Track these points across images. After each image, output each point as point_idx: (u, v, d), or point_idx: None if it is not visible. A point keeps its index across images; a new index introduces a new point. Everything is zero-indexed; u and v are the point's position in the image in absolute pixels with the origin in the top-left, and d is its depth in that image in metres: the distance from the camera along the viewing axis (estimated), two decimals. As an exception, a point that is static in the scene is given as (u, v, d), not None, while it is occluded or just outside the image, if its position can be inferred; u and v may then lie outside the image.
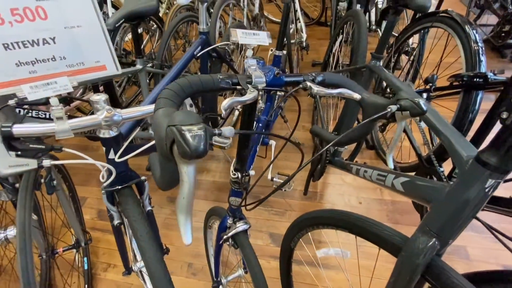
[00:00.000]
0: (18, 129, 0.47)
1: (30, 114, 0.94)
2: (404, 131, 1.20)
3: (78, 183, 1.60)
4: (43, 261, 1.15)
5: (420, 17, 1.25)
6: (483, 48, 0.97)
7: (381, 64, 0.98)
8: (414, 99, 0.47)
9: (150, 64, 1.38)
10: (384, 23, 1.86)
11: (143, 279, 0.98)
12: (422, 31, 1.33)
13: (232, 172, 0.70)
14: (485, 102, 0.99)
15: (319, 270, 1.15)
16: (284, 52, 1.23)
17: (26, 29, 0.43)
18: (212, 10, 1.63)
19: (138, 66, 1.19)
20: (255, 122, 1.18)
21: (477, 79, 0.92)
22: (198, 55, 1.11)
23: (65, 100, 1.24)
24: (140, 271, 0.95)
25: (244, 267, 0.93)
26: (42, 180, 0.82)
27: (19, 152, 0.48)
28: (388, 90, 1.49)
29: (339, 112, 1.51)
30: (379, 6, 2.05)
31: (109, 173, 0.66)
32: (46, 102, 0.57)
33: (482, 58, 0.96)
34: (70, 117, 0.56)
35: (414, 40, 1.63)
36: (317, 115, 1.76)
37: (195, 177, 0.31)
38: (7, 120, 0.61)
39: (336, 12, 2.15)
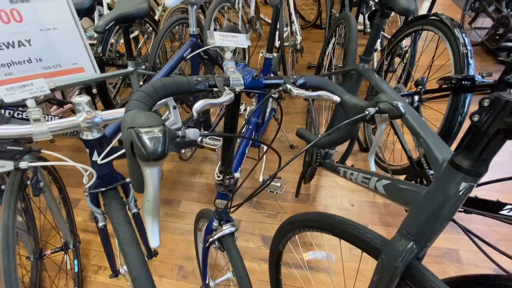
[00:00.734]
0: (-5, 131, 0.47)
1: (20, 116, 0.94)
2: (396, 133, 1.20)
3: (72, 184, 1.60)
4: (33, 263, 1.15)
5: (411, 20, 1.26)
6: (472, 51, 0.97)
7: (369, 66, 0.98)
8: (393, 102, 0.47)
9: (143, 66, 1.38)
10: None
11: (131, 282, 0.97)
12: (413, 34, 1.33)
13: (216, 174, 0.70)
14: (474, 104, 1.00)
15: (308, 273, 1.15)
16: (275, 54, 1.24)
17: (1, 31, 0.43)
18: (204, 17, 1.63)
19: (130, 68, 1.20)
20: (245, 124, 1.18)
21: (465, 82, 0.92)
22: (188, 57, 1.11)
23: (54, 101, 1.24)
24: (127, 274, 0.94)
25: (233, 270, 0.92)
26: (28, 182, 0.82)
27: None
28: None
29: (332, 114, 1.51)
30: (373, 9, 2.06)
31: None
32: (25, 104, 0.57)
33: (471, 61, 0.96)
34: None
35: (407, 43, 1.63)
36: (310, 117, 1.76)
37: (159, 179, 0.31)
38: (-10, 121, 0.61)
39: (331, 15, 2.16)
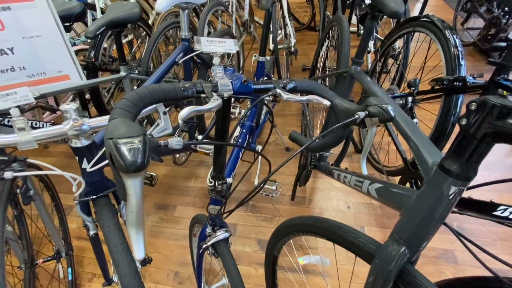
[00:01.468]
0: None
1: (10, 123, 0.93)
2: (390, 135, 1.20)
3: (65, 191, 1.57)
4: (26, 272, 1.13)
5: (403, 22, 1.26)
6: (463, 53, 0.98)
7: (361, 68, 0.98)
8: (382, 105, 0.46)
9: (136, 71, 1.38)
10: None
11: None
12: (405, 36, 1.34)
13: (208, 180, 0.69)
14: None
15: (304, 277, 1.14)
16: (268, 57, 1.24)
17: (-17, 40, 0.42)
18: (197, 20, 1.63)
19: (122, 73, 1.19)
20: (239, 128, 1.18)
21: (457, 83, 0.93)
22: (180, 61, 1.10)
23: (48, 108, 1.22)
24: (121, 282, 0.93)
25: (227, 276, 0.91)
26: (18, 191, 0.80)
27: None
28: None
29: (327, 116, 1.51)
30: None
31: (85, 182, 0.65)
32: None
33: (462, 62, 0.97)
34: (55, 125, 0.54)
35: (400, 44, 1.64)
36: (305, 120, 1.76)
37: (141, 190, 0.30)
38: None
39: (324, 17, 2.17)
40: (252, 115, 1.19)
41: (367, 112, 0.47)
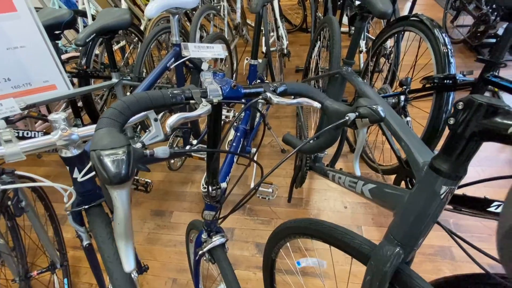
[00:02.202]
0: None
1: None
2: (384, 134, 1.21)
3: (59, 200, 1.55)
4: (20, 285, 1.11)
5: (393, 22, 1.28)
6: (452, 51, 0.99)
7: (352, 69, 0.99)
8: (372, 106, 0.46)
9: (128, 77, 1.37)
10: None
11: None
12: (396, 35, 1.35)
13: (202, 185, 0.69)
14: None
15: (302, 280, 1.14)
16: (260, 60, 1.24)
17: (-35, 52, 0.41)
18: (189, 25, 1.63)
19: (114, 80, 1.18)
20: (233, 131, 1.17)
21: (447, 81, 0.94)
22: (172, 67, 1.10)
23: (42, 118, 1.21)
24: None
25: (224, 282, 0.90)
26: (9, 202, 0.79)
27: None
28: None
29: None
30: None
31: (76, 193, 0.64)
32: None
33: (452, 60, 0.98)
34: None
35: (391, 43, 1.66)
36: (299, 121, 1.77)
37: (128, 201, 0.29)
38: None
39: (316, 19, 2.18)
40: (245, 118, 1.19)
41: (357, 113, 0.47)
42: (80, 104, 1.67)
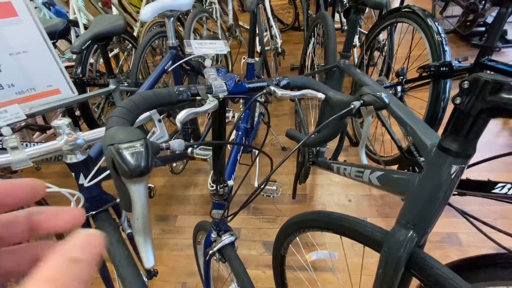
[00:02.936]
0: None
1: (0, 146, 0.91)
2: (383, 125, 1.22)
3: (61, 212, 1.54)
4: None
5: (385, 14, 1.29)
6: (446, 39, 1.00)
7: (349, 62, 1.00)
8: (376, 93, 0.47)
9: (125, 83, 1.36)
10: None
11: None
12: (389, 27, 1.37)
13: (209, 184, 0.68)
14: (455, 89, 1.02)
15: (314, 274, 1.13)
16: (257, 59, 1.24)
17: (-33, 59, 0.41)
18: (182, 28, 1.64)
19: (111, 86, 1.17)
20: (234, 131, 1.17)
21: (443, 68, 0.95)
22: (169, 69, 1.10)
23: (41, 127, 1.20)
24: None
25: (236, 281, 0.90)
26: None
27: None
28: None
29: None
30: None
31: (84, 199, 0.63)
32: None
33: (446, 48, 0.99)
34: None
35: (384, 36, 1.68)
36: (298, 118, 1.77)
37: (146, 196, 0.29)
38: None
39: (307, 16, 2.19)
40: (246, 117, 1.19)
41: (362, 101, 0.48)
42: (77, 113, 1.66)
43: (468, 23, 2.35)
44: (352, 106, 0.47)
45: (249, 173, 1.61)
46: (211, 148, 1.12)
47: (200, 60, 1.28)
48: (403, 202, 0.50)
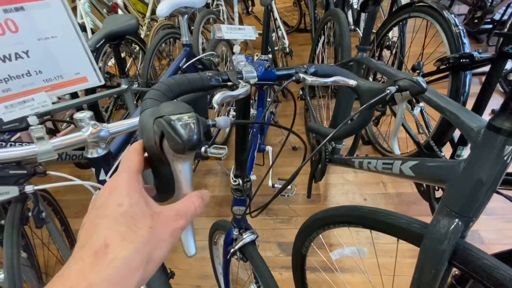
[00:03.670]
0: (-5, 155, 0.43)
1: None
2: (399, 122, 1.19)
3: (71, 215, 1.52)
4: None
5: (397, 10, 1.28)
6: (464, 31, 0.99)
7: (366, 55, 0.98)
8: (413, 78, 0.45)
9: (136, 85, 1.36)
10: (364, 20, 1.91)
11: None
12: (400, 23, 1.35)
13: (232, 179, 0.66)
14: (474, 84, 0.99)
15: (336, 274, 1.10)
16: (270, 56, 1.23)
17: (-5, 44, 0.40)
18: (193, 27, 1.64)
19: (123, 86, 1.16)
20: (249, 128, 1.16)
21: (464, 60, 0.93)
22: (184, 66, 1.09)
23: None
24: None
25: (256, 282, 0.87)
26: (30, 214, 0.76)
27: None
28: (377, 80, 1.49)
29: (331, 112, 1.50)
30: (355, 6, 2.11)
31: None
32: (26, 127, 0.53)
33: (465, 40, 0.97)
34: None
35: (394, 34, 1.66)
36: (309, 116, 1.75)
37: (192, 176, 0.27)
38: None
39: (315, 16, 2.19)
40: (259, 114, 1.18)
41: (397, 86, 0.46)
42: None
43: (476, 20, 2.34)
44: (388, 91, 0.45)
45: (259, 174, 1.58)
46: (225, 147, 1.10)
47: (211, 59, 1.27)
48: (443, 192, 0.48)
